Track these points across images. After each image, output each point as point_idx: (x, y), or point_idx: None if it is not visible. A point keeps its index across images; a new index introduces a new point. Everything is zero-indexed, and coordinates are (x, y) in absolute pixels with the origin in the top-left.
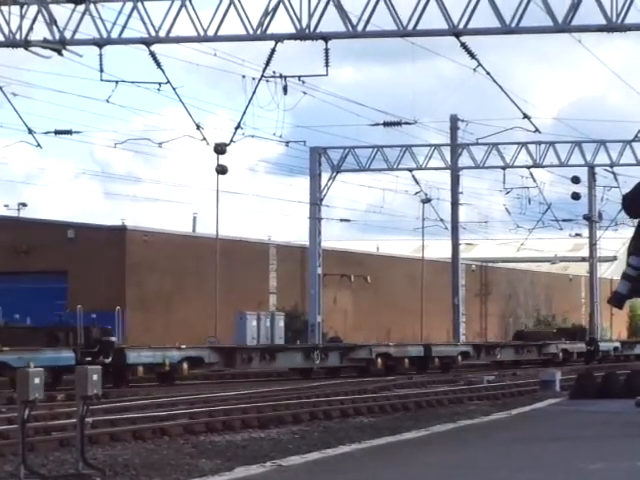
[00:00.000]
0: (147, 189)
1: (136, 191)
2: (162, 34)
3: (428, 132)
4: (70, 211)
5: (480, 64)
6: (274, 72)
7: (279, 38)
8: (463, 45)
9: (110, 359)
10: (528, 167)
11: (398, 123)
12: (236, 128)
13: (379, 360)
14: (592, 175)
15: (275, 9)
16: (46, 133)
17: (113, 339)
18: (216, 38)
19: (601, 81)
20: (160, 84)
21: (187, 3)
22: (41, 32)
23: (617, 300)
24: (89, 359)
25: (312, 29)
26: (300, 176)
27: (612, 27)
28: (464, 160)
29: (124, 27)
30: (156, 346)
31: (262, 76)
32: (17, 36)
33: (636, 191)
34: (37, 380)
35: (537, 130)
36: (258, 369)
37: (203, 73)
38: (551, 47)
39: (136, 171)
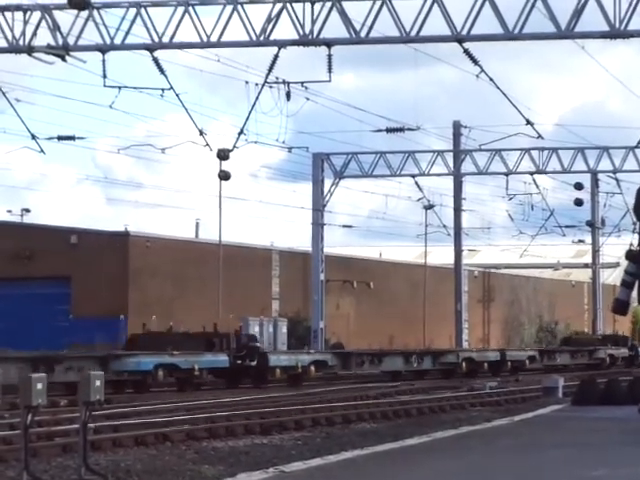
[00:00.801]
0: (149, 195)
1: (138, 197)
2: (165, 40)
3: (431, 138)
4: (72, 217)
5: (483, 70)
6: (277, 78)
7: (282, 44)
8: (466, 51)
9: (255, 362)
10: (531, 173)
11: (401, 129)
12: (239, 134)
13: (464, 364)
14: (595, 181)
15: (278, 15)
16: (49, 139)
17: (258, 344)
18: (219, 44)
19: (603, 87)
20: (163, 90)
21: (190, 9)
22: (44, 38)
23: (620, 307)
24: (239, 362)
25: (315, 35)
26: (303, 182)
27: (615, 34)
28: (467, 166)
29: (127, 33)
30: (291, 350)
31: (265, 82)
32: (20, 42)
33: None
34: (40, 386)
35: (540, 136)
36: (367, 371)
37: (206, 79)
38: (553, 53)
39: (138, 177)
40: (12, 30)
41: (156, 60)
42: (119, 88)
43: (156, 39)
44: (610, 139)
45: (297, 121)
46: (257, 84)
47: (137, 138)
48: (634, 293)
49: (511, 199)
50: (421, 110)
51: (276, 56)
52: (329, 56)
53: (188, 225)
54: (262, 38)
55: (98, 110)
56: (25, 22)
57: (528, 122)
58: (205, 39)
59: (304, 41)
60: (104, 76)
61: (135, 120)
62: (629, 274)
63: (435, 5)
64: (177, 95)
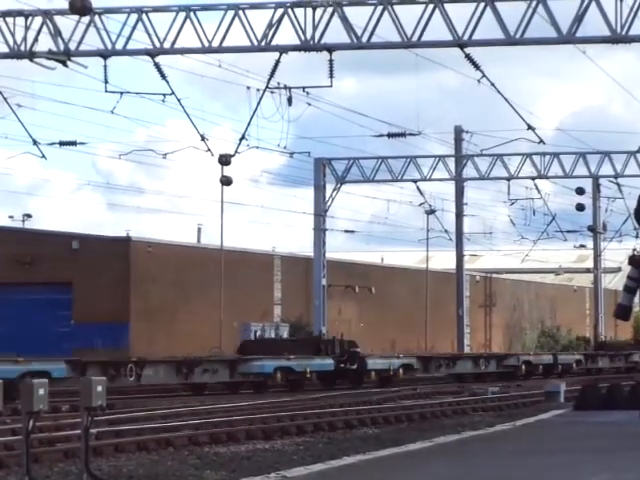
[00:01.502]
0: (151, 200)
1: (139, 202)
2: (167, 45)
3: (432, 143)
4: (73, 222)
5: (485, 75)
6: (278, 83)
7: (283, 49)
8: (467, 56)
9: (355, 365)
10: (532, 178)
11: (402, 134)
12: (240, 139)
13: (523, 366)
14: (596, 186)
15: (280, 21)
16: (51, 144)
17: (358, 350)
18: (221, 49)
19: (604, 92)
20: (165, 95)
21: (191, 14)
22: (46, 43)
23: (622, 312)
24: (342, 365)
25: (316, 40)
26: (304, 187)
27: (617, 38)
28: (468, 171)
29: (129, 38)
30: (385, 355)
31: (266, 87)
32: (22, 47)
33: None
34: (41, 391)
35: (542, 141)
36: (444, 373)
37: (207, 84)
38: (554, 58)
39: (140, 182)
40: (13, 35)
41: (157, 65)
42: (120, 93)
43: (157, 44)
44: (611, 144)
45: (298, 126)
46: (258, 89)
47: (138, 143)
48: (637, 298)
49: (513, 204)
50: (422, 115)
51: (277, 61)
52: (330, 61)
53: (189, 230)
54: (263, 43)
55: (99, 115)
56: (26, 27)
57: (530, 127)
58: (206, 44)
59: (305, 46)
60: (105, 81)
61: (136, 125)
62: (632, 279)
63: (436, 10)
64: (179, 100)
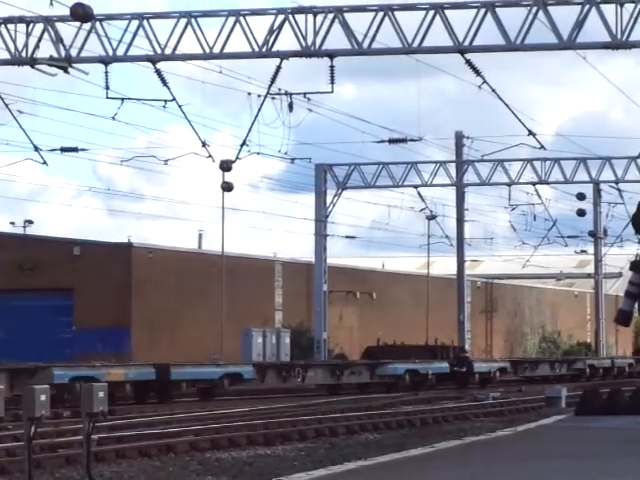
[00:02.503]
0: (151, 206)
1: (140, 208)
2: (168, 52)
3: (433, 149)
4: (74, 228)
5: (485, 81)
6: (279, 89)
7: (284, 55)
8: (468, 62)
9: (464, 369)
10: (533, 184)
11: (403, 140)
12: (242, 145)
13: (588, 369)
14: (597, 192)
15: (280, 27)
16: (52, 150)
17: (467, 354)
18: (222, 55)
19: (603, 97)
20: (166, 101)
21: (192, 21)
22: (47, 50)
23: (623, 318)
24: (455, 368)
25: (317, 46)
26: (305, 193)
27: (617, 44)
28: (469, 177)
29: (130, 45)
30: (487, 359)
31: (267, 93)
32: (23, 54)
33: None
34: (43, 397)
35: (542, 147)
36: (528, 375)
37: (208, 90)
38: (553, 64)
39: (140, 188)
40: (15, 42)
41: (159, 72)
42: (122, 100)
43: (158, 51)
44: (611, 149)
45: (299, 132)
46: (259, 95)
47: (138, 149)
48: (636, 304)
49: (513, 209)
50: (423, 121)
51: (278, 67)
52: (331, 67)
53: (190, 236)
54: (264, 49)
55: (100, 122)
56: (28, 34)
57: (530, 133)
58: (207, 51)
59: (306, 52)
60: (107, 88)
61: (136, 131)
62: (633, 285)
63: (437, 16)
64: (180, 107)
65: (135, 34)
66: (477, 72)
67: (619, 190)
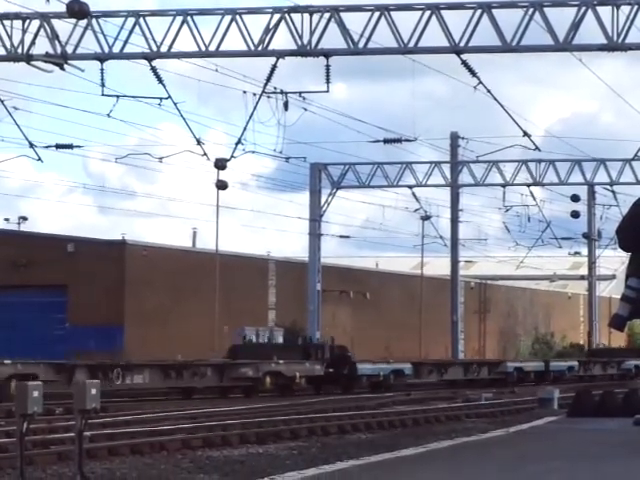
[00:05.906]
0: (144, 204)
1: (134, 206)
2: (164, 49)
3: (428, 149)
4: (66, 225)
5: (481, 82)
6: (275, 88)
7: (280, 54)
8: (464, 63)
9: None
10: (527, 185)
11: (398, 140)
12: (236, 144)
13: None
14: (592, 193)
15: (276, 26)
16: (47, 147)
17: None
18: (217, 54)
19: (596, 99)
20: (161, 99)
21: (189, 19)
22: (43, 46)
23: (617, 323)
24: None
25: (313, 46)
26: (299, 192)
27: (613, 46)
28: (464, 177)
29: (126, 42)
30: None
31: (263, 92)
32: (19, 50)
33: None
34: (36, 393)
35: (537, 148)
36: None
37: (203, 88)
38: (547, 65)
39: (133, 185)
40: (10, 38)
41: (154, 69)
42: (117, 97)
43: (154, 48)
44: (605, 151)
45: (294, 131)
46: (255, 94)
47: (130, 147)
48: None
49: (508, 210)
50: (418, 121)
51: (274, 66)
52: (327, 67)
53: (184, 234)
54: (260, 48)
55: (94, 118)
56: (24, 30)
57: (525, 134)
58: (203, 49)
59: (302, 51)
60: (102, 85)
61: (130, 129)
62: (632, 289)
63: (433, 17)
64: (175, 104)
65: (131, 31)
66: (473, 73)
67: (613, 192)
